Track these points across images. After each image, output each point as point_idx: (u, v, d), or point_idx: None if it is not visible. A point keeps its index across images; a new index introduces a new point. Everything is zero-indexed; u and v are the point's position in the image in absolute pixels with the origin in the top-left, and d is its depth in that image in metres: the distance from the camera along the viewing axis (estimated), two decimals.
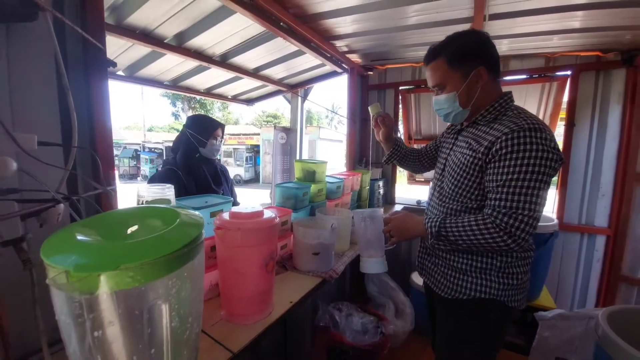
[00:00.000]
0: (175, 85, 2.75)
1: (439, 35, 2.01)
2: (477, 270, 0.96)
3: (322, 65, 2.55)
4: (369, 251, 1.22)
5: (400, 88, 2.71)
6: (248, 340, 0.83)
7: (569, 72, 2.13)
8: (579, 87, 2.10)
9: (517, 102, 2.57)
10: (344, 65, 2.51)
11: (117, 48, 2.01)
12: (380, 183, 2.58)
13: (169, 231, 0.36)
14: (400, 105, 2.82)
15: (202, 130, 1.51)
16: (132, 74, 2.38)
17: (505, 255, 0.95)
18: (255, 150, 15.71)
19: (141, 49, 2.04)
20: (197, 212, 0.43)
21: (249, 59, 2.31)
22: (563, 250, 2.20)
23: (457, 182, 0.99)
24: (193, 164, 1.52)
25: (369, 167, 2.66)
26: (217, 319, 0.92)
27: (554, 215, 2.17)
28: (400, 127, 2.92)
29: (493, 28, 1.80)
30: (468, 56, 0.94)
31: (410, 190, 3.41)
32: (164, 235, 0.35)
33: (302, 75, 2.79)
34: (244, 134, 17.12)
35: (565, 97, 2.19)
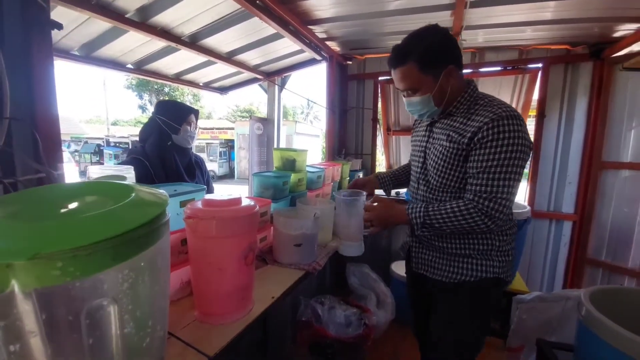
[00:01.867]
0: (140, 68, 2.52)
1: (419, 22, 2.00)
2: (480, 252, 1.01)
3: (301, 51, 2.45)
4: (348, 234, 1.24)
5: (380, 79, 2.68)
6: (226, 341, 0.74)
7: (540, 65, 2.20)
8: (549, 79, 2.18)
9: (492, 93, 2.65)
10: (322, 52, 2.43)
11: (70, 22, 1.78)
12: (360, 174, 2.55)
13: (118, 208, 0.27)
14: (380, 96, 2.80)
15: (174, 116, 1.37)
16: (89, 54, 2.14)
17: (502, 234, 1.01)
18: (229, 145, 15.23)
19: (99, 25, 1.83)
20: (161, 190, 0.34)
21: (222, 41, 2.15)
22: (534, 236, 2.30)
23: (442, 173, 1.02)
24: (165, 153, 1.38)
25: (348, 158, 2.62)
26: (190, 320, 0.82)
27: (526, 203, 2.25)
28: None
29: (472, 17, 1.80)
30: (438, 57, 0.95)
31: None
32: (111, 213, 0.26)
33: (279, 62, 2.66)
34: (217, 128, 16.53)
35: (537, 89, 2.27)
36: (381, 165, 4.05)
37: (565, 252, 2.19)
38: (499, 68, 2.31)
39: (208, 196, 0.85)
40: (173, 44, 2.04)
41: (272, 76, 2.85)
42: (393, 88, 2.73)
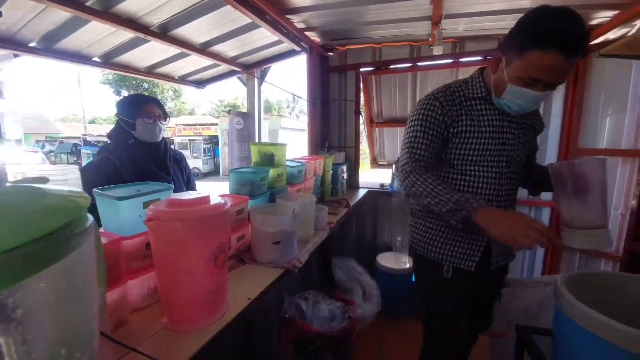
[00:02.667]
0: (108, 62, 2.38)
1: (399, 11, 1.96)
2: None
3: (279, 42, 2.37)
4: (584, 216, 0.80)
5: (361, 70, 2.64)
6: (196, 349, 0.69)
7: None
8: None
9: None
10: (302, 43, 2.36)
11: (25, 13, 1.65)
12: (344, 167, 2.51)
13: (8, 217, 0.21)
14: (362, 88, 2.76)
15: (127, 111, 1.27)
16: (50, 47, 2.00)
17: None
18: (213, 141, 14.90)
19: (59, 14, 1.70)
20: (81, 192, 0.29)
21: (195, 32, 2.05)
22: None
23: (522, 160, 1.07)
24: (129, 151, 1.30)
25: (331, 151, 2.57)
26: (158, 328, 0.76)
27: None
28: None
29: (452, 5, 1.77)
30: None
31: (374, 174, 3.40)
32: None
33: (257, 53, 2.58)
34: (200, 124, 16.12)
35: None
36: (366, 158, 4.03)
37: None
38: (479, 58, 2.31)
39: (174, 196, 0.79)
40: (141, 35, 1.92)
41: (251, 68, 2.76)
42: (375, 79, 2.69)
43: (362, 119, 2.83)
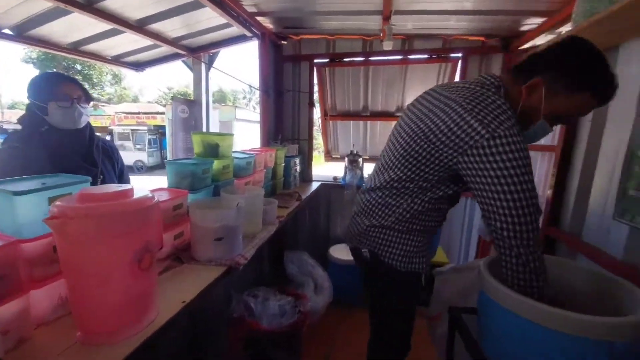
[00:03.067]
0: (22, 35, 2.02)
1: (352, 3, 1.96)
2: None
3: (228, 25, 2.22)
4: None
5: (315, 61, 2.60)
6: None
7: (460, 55, 2.35)
8: (467, 69, 2.35)
9: (419, 80, 2.66)
10: (254, 29, 2.24)
11: None
12: (297, 160, 2.48)
13: None
14: (317, 80, 2.73)
15: (38, 92, 1.09)
16: None
17: None
18: (160, 131, 13.77)
19: None
20: None
21: (130, 5, 1.83)
22: (452, 212, 2.52)
23: None
24: (44, 140, 1.11)
25: (284, 144, 2.51)
26: (71, 342, 0.66)
27: None
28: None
29: (401, 1, 1.81)
30: None
31: (327, 168, 3.43)
32: None
33: (204, 36, 2.39)
34: (144, 113, 14.76)
35: (457, 78, 2.44)
36: (319, 151, 4.02)
37: (478, 226, 2.45)
38: (426, 56, 2.41)
39: (88, 189, 0.68)
40: (62, 5, 1.65)
41: (197, 52, 2.57)
42: (329, 72, 2.68)
43: (317, 112, 2.81)
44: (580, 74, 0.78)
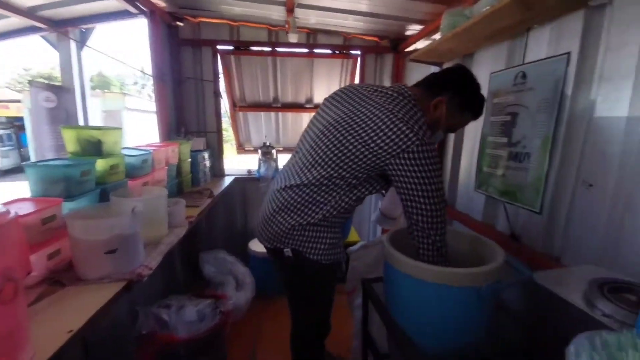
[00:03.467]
0: None
1: None
2: None
3: None
4: None
5: (219, 48, 2.43)
6: None
7: (359, 53, 2.55)
8: (365, 66, 2.57)
9: (325, 74, 2.77)
10: (139, 4, 1.93)
11: None
12: (205, 154, 2.31)
13: None
14: (222, 68, 2.56)
15: None
16: None
17: None
18: (16, 125, 10.77)
19: None
20: None
21: None
22: None
23: None
24: None
25: (188, 137, 2.30)
26: None
27: None
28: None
29: None
30: None
31: (241, 160, 3.29)
32: None
33: (71, 7, 1.94)
34: None
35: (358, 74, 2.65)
36: (231, 144, 3.83)
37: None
38: (329, 51, 2.53)
39: None
40: None
41: (63, 27, 2.07)
42: (235, 60, 2.54)
43: (226, 103, 2.65)
44: (470, 95, 1.02)
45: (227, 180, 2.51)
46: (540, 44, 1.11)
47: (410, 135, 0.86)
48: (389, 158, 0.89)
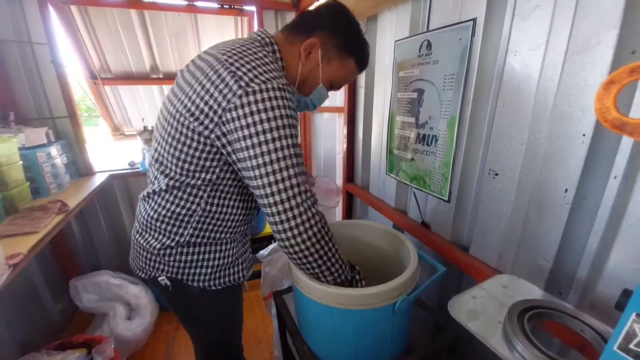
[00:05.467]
0: None
1: None
2: None
3: None
4: None
5: None
6: None
7: (254, 8, 2.13)
8: (263, 25, 2.17)
9: (215, 35, 2.26)
10: None
11: None
12: (55, 149, 1.69)
13: None
14: (62, 26, 1.84)
15: None
16: None
17: None
18: None
19: None
20: None
21: None
22: None
23: None
24: None
25: (19, 127, 1.63)
26: None
27: None
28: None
29: None
30: None
31: (119, 149, 2.58)
32: None
33: None
34: None
35: None
36: (100, 128, 3.00)
37: None
38: (216, 5, 2.04)
39: None
40: None
41: None
42: (79, 13, 1.84)
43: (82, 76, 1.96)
44: (349, 36, 0.79)
45: (99, 179, 1.93)
46: (445, 6, 0.96)
47: (232, 84, 0.60)
48: (214, 130, 0.64)
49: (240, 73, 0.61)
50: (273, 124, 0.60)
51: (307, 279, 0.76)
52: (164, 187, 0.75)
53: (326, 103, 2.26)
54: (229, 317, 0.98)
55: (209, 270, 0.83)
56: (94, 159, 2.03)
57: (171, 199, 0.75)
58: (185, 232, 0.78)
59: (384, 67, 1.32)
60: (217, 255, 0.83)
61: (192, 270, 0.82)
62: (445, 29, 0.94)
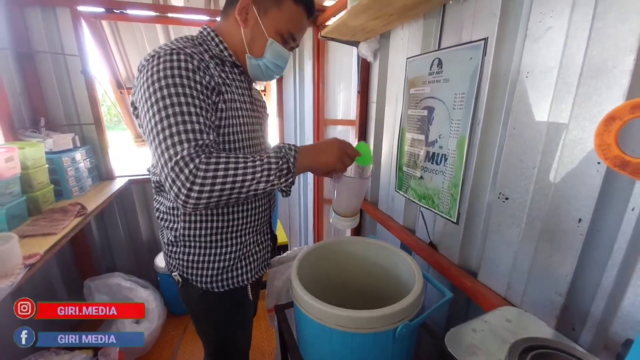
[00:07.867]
0: None
1: None
2: None
3: None
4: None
5: (81, 10, 1.82)
6: None
7: None
8: None
9: None
10: None
11: None
12: (79, 154, 1.78)
13: None
14: (94, 39, 1.96)
15: None
16: None
17: None
18: None
19: None
20: None
21: None
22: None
23: None
24: None
25: (49, 133, 1.74)
26: None
27: None
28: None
29: None
30: None
31: (140, 155, 2.70)
32: None
33: None
34: None
35: None
36: (123, 134, 3.14)
37: (311, 198, 2.57)
38: None
39: None
40: None
41: None
42: (112, 28, 1.96)
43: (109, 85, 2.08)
44: None
45: (119, 184, 2.02)
46: (456, 25, 0.94)
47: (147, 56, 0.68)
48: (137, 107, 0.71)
49: (152, 54, 0.67)
50: (157, 86, 0.63)
51: (309, 299, 0.76)
52: (155, 185, 0.83)
53: (339, 115, 2.29)
54: (230, 327, 0.98)
55: (210, 272, 0.85)
56: (116, 164, 2.12)
57: (158, 191, 0.83)
58: (178, 226, 0.82)
59: (396, 83, 1.31)
60: (216, 256, 0.85)
61: (194, 272, 0.85)
62: (456, 47, 0.93)
